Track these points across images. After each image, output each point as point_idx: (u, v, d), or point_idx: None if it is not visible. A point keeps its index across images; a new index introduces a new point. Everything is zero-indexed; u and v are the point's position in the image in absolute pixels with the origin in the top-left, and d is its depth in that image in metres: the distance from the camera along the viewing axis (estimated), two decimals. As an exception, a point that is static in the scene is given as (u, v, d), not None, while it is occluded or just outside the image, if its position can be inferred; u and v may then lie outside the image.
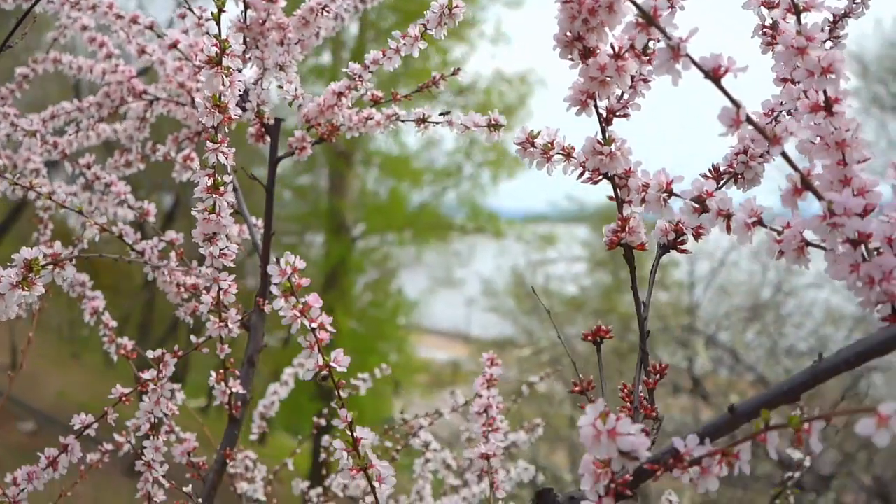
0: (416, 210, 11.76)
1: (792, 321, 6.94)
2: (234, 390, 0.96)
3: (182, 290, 1.00)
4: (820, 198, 0.50)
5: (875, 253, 0.50)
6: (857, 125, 0.53)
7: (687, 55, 0.49)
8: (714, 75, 0.50)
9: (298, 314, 0.60)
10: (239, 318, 0.89)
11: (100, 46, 1.18)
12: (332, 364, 0.61)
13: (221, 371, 0.95)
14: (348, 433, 0.63)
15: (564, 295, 9.82)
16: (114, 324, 1.08)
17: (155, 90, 1.19)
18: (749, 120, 0.49)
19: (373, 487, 0.63)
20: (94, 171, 1.09)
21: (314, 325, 0.60)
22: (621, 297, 8.44)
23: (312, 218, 11.16)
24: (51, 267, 0.65)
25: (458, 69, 0.96)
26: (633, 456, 0.49)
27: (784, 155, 0.50)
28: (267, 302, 0.94)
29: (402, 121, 0.94)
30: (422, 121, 0.92)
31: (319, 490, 1.40)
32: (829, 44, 0.64)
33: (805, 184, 0.50)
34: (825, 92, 0.52)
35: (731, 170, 0.67)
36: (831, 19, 0.69)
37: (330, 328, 0.61)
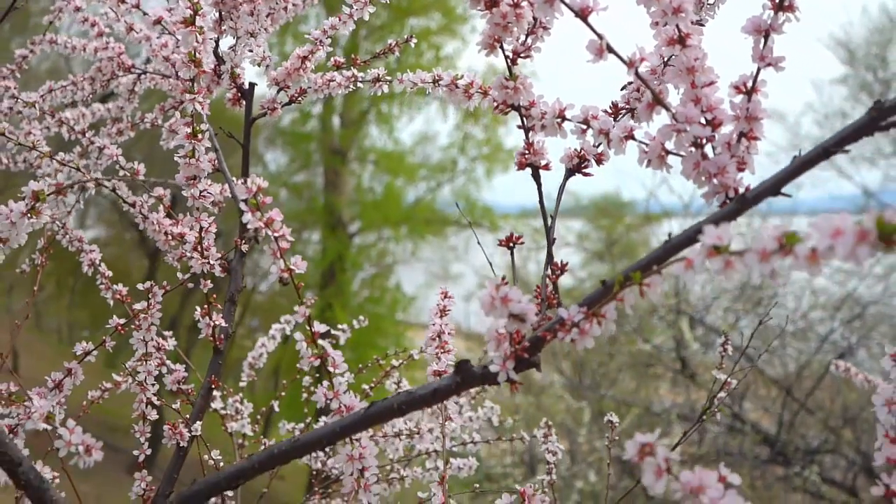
0: (411, 206, 11.88)
1: (778, 302, 7.08)
2: (217, 324, 1.08)
3: (170, 238, 1.12)
4: (669, 111, 0.63)
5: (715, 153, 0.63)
6: (704, 55, 0.65)
7: (561, 0, 0.62)
8: (583, 14, 0.62)
9: (263, 225, 0.72)
10: (219, 255, 1.02)
11: (92, 26, 1.31)
12: (293, 267, 0.74)
13: (206, 306, 1.07)
14: (307, 328, 0.75)
15: (560, 286, 9.94)
16: (109, 273, 1.21)
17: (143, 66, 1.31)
18: (609, 49, 0.62)
19: (328, 372, 0.75)
20: (89, 136, 1.22)
21: (277, 234, 0.73)
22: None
23: (309, 215, 11.27)
24: (55, 195, 0.77)
25: (411, 37, 1.09)
26: (521, 318, 0.61)
27: (638, 76, 0.63)
28: (244, 243, 1.06)
29: (361, 82, 1.07)
30: (377, 80, 1.04)
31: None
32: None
33: (656, 99, 0.63)
34: (678, 27, 0.65)
35: (626, 105, 0.79)
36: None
37: (290, 238, 0.73)
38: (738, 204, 0.59)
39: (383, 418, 0.69)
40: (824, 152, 0.57)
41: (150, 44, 1.24)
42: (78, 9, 1.31)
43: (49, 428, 0.74)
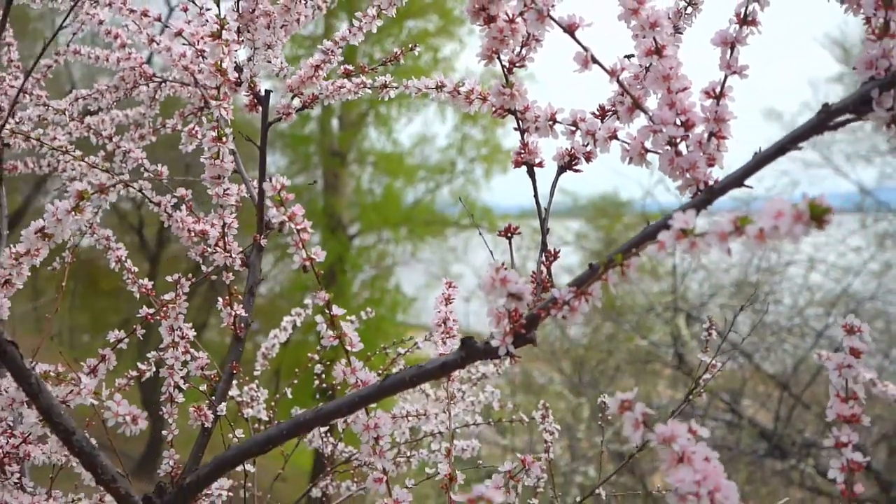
0: (410, 207, 11.96)
1: (774, 298, 7.17)
2: (238, 313, 1.17)
3: (192, 234, 1.21)
4: (646, 113, 0.71)
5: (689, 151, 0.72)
6: (679, 63, 0.74)
7: (549, 16, 0.70)
8: (570, 30, 0.71)
9: (287, 219, 0.81)
10: (241, 249, 1.11)
11: (115, 38, 1.39)
12: (313, 256, 0.82)
13: (228, 297, 1.16)
14: (327, 311, 0.84)
15: (559, 286, 10.01)
16: (135, 269, 1.29)
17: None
18: (594, 60, 0.70)
19: (346, 351, 0.84)
20: (115, 141, 1.30)
21: (299, 227, 0.82)
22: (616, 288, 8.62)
23: (309, 217, 11.29)
24: (98, 194, 0.86)
25: (415, 45, 1.17)
26: (518, 297, 0.70)
27: (620, 83, 0.71)
28: (263, 237, 1.15)
29: (370, 88, 1.15)
30: (384, 86, 1.13)
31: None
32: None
33: (635, 104, 0.71)
34: (655, 40, 0.73)
35: (612, 108, 0.88)
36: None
37: (310, 230, 0.82)
38: (706, 195, 0.68)
39: (396, 389, 0.78)
40: (780, 149, 0.66)
41: (170, 54, 1.33)
42: (101, 21, 1.40)
43: (96, 402, 0.82)
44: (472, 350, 0.77)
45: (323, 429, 1.52)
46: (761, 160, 0.66)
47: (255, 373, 1.57)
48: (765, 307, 7.03)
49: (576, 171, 0.88)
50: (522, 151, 0.83)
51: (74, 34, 1.51)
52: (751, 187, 0.68)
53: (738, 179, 0.67)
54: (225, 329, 1.17)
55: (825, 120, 0.65)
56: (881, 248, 8.11)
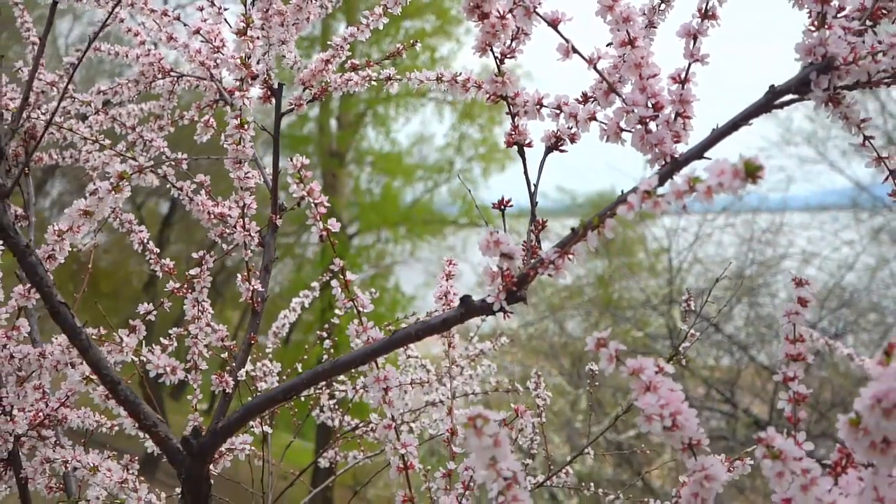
0: (409, 206, 12.06)
1: (769, 292, 7.31)
2: (255, 288, 1.27)
3: (211, 217, 1.31)
4: (620, 97, 0.82)
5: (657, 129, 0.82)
6: (649, 53, 0.84)
7: (535, 12, 0.81)
8: (553, 24, 0.81)
9: (306, 194, 0.92)
10: (258, 229, 1.21)
11: (135, 35, 1.50)
12: (330, 227, 0.93)
13: (246, 273, 1.26)
14: (342, 277, 0.94)
15: (559, 285, 10.15)
16: (157, 250, 1.40)
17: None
18: (574, 50, 0.81)
19: (358, 312, 0.94)
20: (138, 131, 1.41)
21: (317, 201, 0.92)
22: (615, 285, 8.78)
23: (307, 217, 11.46)
24: (137, 174, 0.96)
25: (416, 42, 1.28)
26: (510, 256, 0.80)
27: (597, 70, 0.82)
28: (278, 218, 1.25)
29: (375, 81, 1.26)
30: (389, 79, 1.23)
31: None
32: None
33: (610, 88, 0.82)
34: (628, 33, 0.84)
35: (593, 95, 0.98)
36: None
37: (327, 204, 0.92)
38: (671, 166, 0.78)
39: (404, 342, 0.88)
40: (734, 125, 0.76)
41: (187, 50, 1.43)
42: (122, 20, 1.50)
43: (136, 359, 0.92)
44: (470, 307, 0.87)
45: (331, 401, 1.63)
46: (718, 135, 0.77)
47: (267, 350, 1.68)
48: (756, 300, 7.18)
49: (561, 150, 0.98)
50: (513, 133, 0.93)
51: (97, 33, 1.62)
52: (709, 159, 0.78)
53: (698, 153, 0.78)
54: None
55: (772, 99, 0.75)
56: (875, 241, 8.23)
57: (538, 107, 0.90)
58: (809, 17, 0.78)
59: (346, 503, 1.81)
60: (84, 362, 0.94)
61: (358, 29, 1.20)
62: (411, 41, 1.27)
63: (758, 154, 0.62)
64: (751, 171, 0.59)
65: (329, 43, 1.23)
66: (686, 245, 7.58)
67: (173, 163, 1.32)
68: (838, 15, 0.77)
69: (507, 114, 0.94)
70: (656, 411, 0.68)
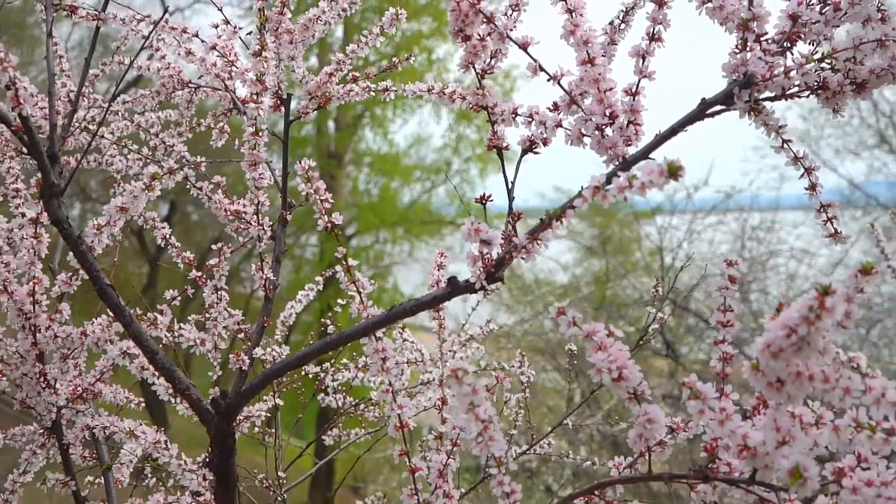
0: (407, 207, 12.19)
1: (760, 288, 7.46)
2: (268, 277, 1.42)
3: (227, 213, 1.46)
4: (579, 107, 0.97)
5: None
6: (605, 69, 1.00)
7: (508, 37, 0.96)
8: (523, 46, 0.97)
9: (313, 192, 1.07)
10: (270, 223, 1.37)
11: (156, 50, 1.65)
12: (334, 220, 1.08)
13: (259, 263, 1.41)
14: (345, 262, 1.10)
15: (556, 283, 10.30)
16: (178, 244, 1.55)
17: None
18: (541, 68, 0.97)
19: (359, 291, 1.10)
20: (161, 136, 1.56)
21: (322, 198, 1.07)
22: (611, 284, 8.94)
23: (306, 219, 11.63)
24: (168, 175, 1.11)
25: (411, 55, 1.44)
26: (488, 242, 0.95)
27: (560, 85, 0.97)
28: (288, 214, 1.40)
29: (374, 91, 1.41)
30: (386, 90, 1.39)
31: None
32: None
33: (572, 100, 0.97)
34: (588, 53, 0.99)
35: (560, 105, 1.13)
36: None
37: (331, 200, 1.08)
38: (622, 165, 0.94)
39: (400, 317, 1.04)
40: (672, 131, 0.92)
41: (205, 63, 1.58)
42: (144, 37, 1.65)
43: (169, 336, 1.08)
44: (456, 286, 1.02)
45: (334, 382, 1.78)
46: (659, 140, 0.92)
47: (276, 337, 1.83)
48: (746, 296, 7.34)
49: (535, 153, 1.13)
50: (493, 138, 1.09)
51: (118, 47, 1.78)
52: (654, 160, 0.93)
53: (644, 154, 0.94)
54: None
55: (703, 109, 0.91)
56: (869, 239, 8.39)
57: (513, 115, 1.06)
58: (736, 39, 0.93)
59: (346, 503, 1.95)
60: (123, 339, 1.09)
61: (358, 46, 1.36)
62: (406, 55, 1.42)
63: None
64: (673, 171, 0.74)
65: (332, 57, 1.38)
66: (677, 243, 7.75)
67: (193, 166, 1.47)
68: (762, 38, 0.93)
69: (487, 121, 1.10)
70: (605, 366, 0.84)
